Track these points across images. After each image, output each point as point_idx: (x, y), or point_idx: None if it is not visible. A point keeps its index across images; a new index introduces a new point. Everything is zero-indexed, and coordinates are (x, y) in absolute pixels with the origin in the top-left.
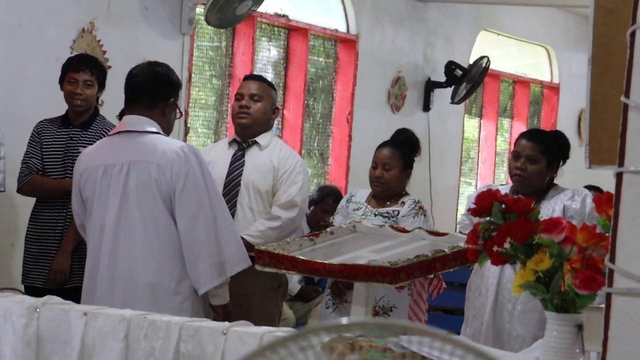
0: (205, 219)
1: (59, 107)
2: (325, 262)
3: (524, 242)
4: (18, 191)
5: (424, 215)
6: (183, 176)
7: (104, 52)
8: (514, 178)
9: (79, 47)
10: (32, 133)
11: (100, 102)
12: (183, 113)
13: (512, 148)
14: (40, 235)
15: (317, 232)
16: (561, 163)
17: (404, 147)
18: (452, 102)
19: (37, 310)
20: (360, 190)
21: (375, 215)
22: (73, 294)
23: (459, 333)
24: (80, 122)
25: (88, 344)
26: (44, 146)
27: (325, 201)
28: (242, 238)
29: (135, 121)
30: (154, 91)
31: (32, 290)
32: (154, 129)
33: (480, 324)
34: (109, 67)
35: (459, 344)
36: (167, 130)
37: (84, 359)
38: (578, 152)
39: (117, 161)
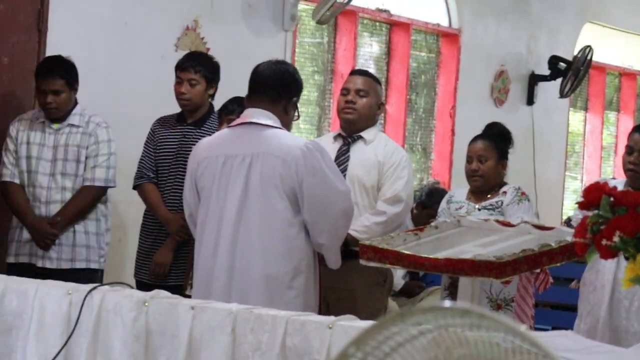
0: (332, 214)
1: (164, 104)
2: (431, 256)
3: (633, 235)
4: (134, 188)
5: (528, 201)
6: (310, 172)
7: (208, 49)
8: (627, 173)
9: (184, 45)
10: (149, 131)
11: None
12: (301, 116)
13: (626, 142)
14: (152, 232)
15: (421, 227)
16: None
17: (496, 138)
18: (561, 97)
19: (146, 304)
20: (458, 190)
21: (480, 209)
22: (176, 292)
23: (567, 329)
24: (194, 119)
25: (196, 337)
26: (157, 143)
27: (434, 208)
28: (348, 233)
29: (258, 114)
30: (280, 87)
31: (141, 285)
32: (277, 124)
33: (595, 321)
34: None
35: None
36: (285, 128)
37: (191, 352)
38: None
39: (239, 152)
